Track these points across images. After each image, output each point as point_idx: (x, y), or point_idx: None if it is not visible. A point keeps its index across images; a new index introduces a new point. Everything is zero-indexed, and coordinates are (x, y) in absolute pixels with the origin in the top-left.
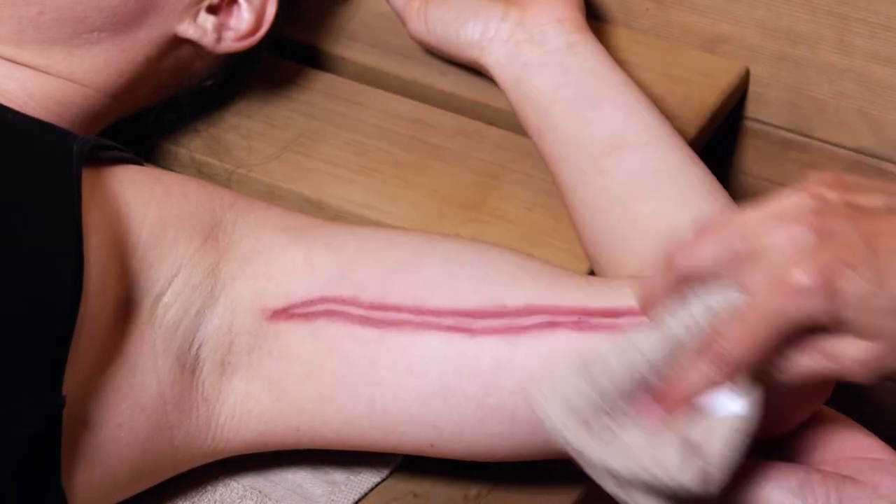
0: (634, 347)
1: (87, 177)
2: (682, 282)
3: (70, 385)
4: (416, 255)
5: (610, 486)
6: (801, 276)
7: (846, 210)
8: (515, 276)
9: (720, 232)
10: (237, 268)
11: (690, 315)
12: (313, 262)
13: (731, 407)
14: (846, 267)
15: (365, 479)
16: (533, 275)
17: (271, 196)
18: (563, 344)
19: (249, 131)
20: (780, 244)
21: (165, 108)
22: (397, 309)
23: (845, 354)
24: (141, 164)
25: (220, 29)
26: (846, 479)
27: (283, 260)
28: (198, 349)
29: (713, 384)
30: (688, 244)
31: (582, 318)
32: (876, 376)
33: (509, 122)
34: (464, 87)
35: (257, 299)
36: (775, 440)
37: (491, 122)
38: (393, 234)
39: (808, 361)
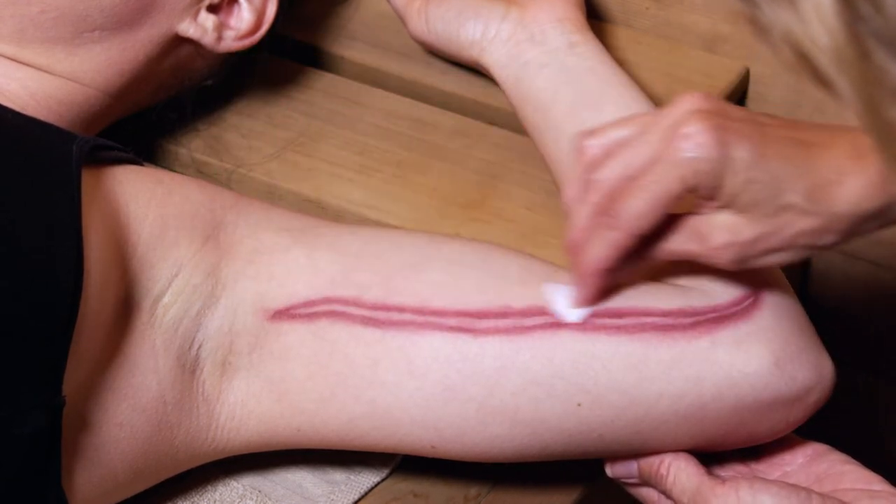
0: None
1: (87, 177)
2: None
3: (70, 385)
4: (419, 257)
5: None
6: (695, 128)
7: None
8: (519, 277)
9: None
10: (238, 268)
11: None
12: (316, 262)
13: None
14: (736, 134)
15: (365, 479)
16: (537, 275)
17: (271, 196)
18: (566, 344)
19: (249, 131)
20: (676, 113)
21: (166, 108)
22: (400, 309)
23: (714, 235)
24: (141, 165)
25: (220, 28)
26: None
27: (285, 260)
28: (198, 349)
29: (618, 248)
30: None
31: (585, 319)
32: (736, 263)
33: (509, 121)
34: (464, 87)
35: (259, 300)
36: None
37: (491, 122)
38: (396, 236)
39: (679, 240)
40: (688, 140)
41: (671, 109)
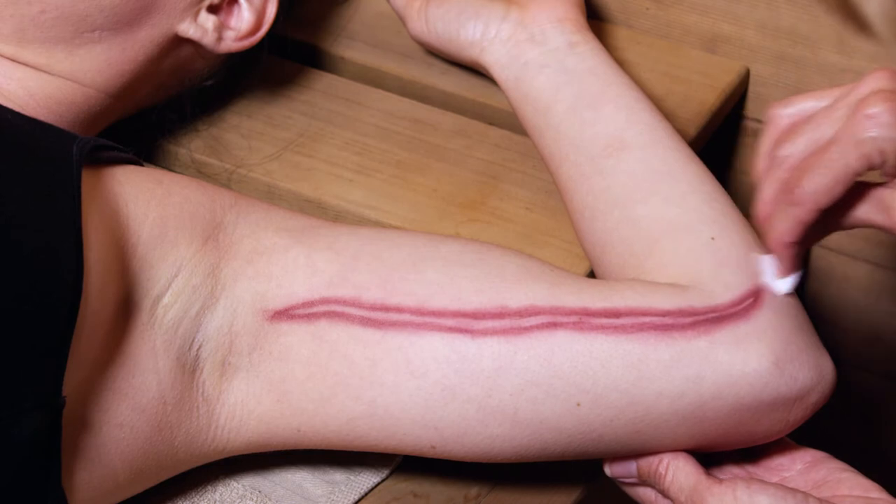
0: None
1: (87, 177)
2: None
3: (70, 385)
4: (417, 257)
5: None
6: (879, 108)
7: None
8: (517, 277)
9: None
10: (238, 268)
11: None
12: (315, 262)
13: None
14: None
15: (365, 479)
16: (534, 275)
17: (271, 196)
18: (564, 344)
19: (249, 131)
20: (861, 90)
21: (166, 108)
22: (399, 310)
23: None
24: (141, 165)
25: (220, 28)
26: None
27: (284, 260)
28: (198, 350)
29: (801, 223)
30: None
31: (583, 319)
32: None
33: (509, 122)
34: (464, 87)
35: (258, 300)
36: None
37: (491, 122)
38: (394, 235)
39: (865, 210)
40: (870, 119)
41: (858, 86)
